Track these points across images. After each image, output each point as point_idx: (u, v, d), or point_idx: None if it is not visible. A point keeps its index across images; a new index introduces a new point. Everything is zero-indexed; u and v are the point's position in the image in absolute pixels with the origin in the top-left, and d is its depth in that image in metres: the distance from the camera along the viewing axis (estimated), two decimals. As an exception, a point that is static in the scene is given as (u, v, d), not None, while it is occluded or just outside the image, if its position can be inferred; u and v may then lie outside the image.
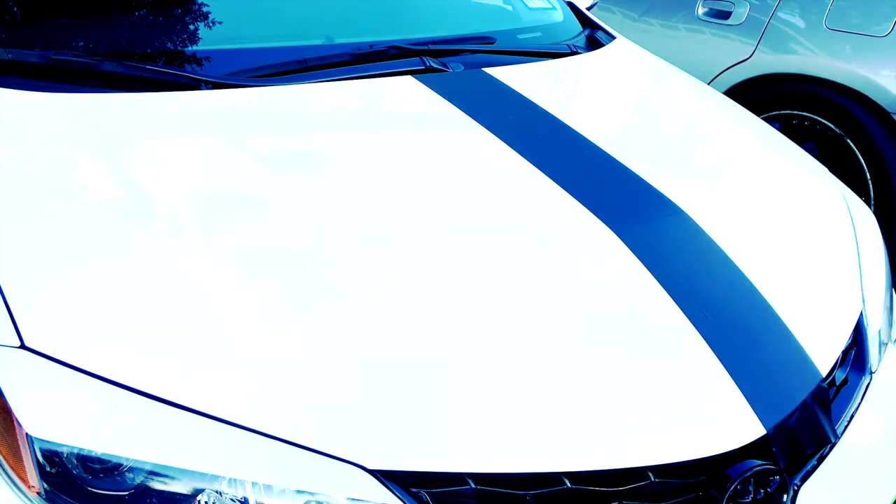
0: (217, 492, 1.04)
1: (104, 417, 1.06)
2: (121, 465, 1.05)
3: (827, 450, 1.31)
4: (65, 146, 1.44)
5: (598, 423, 1.14)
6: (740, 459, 1.16)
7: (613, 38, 2.29)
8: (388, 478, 1.06)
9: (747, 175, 1.81)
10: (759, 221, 1.60)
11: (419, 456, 1.07)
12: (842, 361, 1.41)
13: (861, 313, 1.51)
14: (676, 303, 1.28)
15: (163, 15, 1.91)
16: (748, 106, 2.37)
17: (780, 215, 1.65)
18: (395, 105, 1.79)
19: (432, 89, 1.73)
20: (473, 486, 1.08)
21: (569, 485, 1.10)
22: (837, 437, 1.34)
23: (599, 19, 2.41)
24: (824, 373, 1.31)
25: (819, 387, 1.30)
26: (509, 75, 1.87)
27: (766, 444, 1.19)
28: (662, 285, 1.31)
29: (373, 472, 1.06)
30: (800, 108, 3.13)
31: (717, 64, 3.29)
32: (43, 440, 1.03)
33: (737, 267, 1.41)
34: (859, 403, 1.42)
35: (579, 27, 2.29)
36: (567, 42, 2.16)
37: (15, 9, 1.80)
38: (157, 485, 1.05)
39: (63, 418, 1.05)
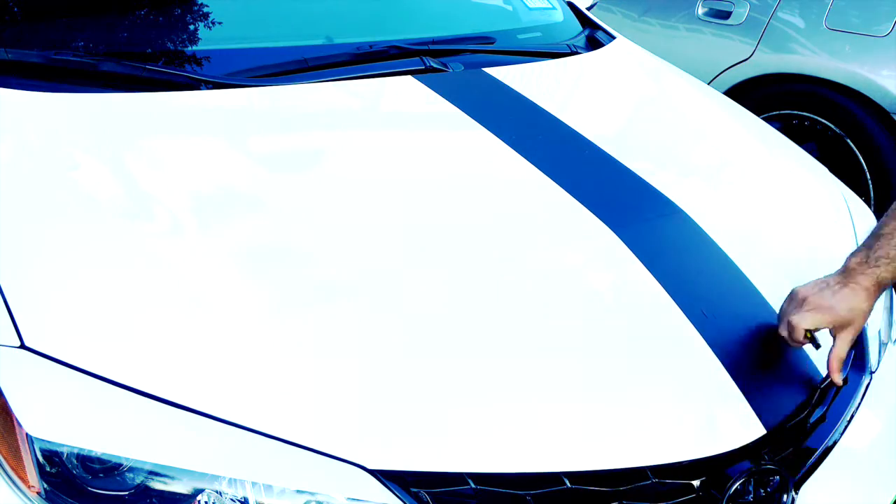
0: (217, 492, 1.04)
1: (104, 417, 1.06)
2: (121, 465, 1.05)
3: (827, 450, 1.31)
4: (65, 146, 1.44)
5: (598, 423, 1.14)
6: (740, 459, 1.16)
7: (613, 38, 2.29)
8: (388, 478, 1.06)
9: (747, 175, 1.81)
10: (758, 221, 1.60)
11: (419, 456, 1.07)
12: (842, 361, 1.40)
13: (861, 313, 1.50)
14: (676, 302, 1.28)
15: (163, 15, 1.91)
16: (748, 106, 2.37)
17: (779, 215, 1.65)
18: (395, 105, 1.79)
19: (432, 89, 1.73)
20: (473, 486, 1.08)
21: (569, 485, 1.10)
22: (837, 437, 1.34)
23: (599, 19, 2.41)
24: (824, 373, 1.31)
25: (819, 387, 1.30)
26: (509, 75, 1.87)
27: (766, 444, 1.19)
28: (662, 285, 1.31)
29: (373, 472, 1.06)
30: (800, 108, 3.13)
31: (717, 64, 3.29)
32: (43, 440, 1.03)
33: (736, 266, 1.41)
34: (859, 403, 1.42)
35: (579, 27, 2.29)
36: (567, 42, 2.16)
37: (15, 9, 1.80)
38: (157, 485, 1.05)
39: (63, 418, 1.05)
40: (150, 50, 1.76)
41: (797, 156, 1.99)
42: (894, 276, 1.24)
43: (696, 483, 1.16)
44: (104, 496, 1.05)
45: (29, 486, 1.05)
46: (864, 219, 1.80)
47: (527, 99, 1.78)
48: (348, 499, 1.05)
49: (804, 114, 3.12)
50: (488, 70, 1.86)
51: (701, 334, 1.25)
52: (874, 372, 1.49)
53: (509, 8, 2.42)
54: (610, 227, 1.40)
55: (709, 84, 3.20)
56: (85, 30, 1.78)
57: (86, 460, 1.04)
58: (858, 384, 1.44)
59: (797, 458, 1.26)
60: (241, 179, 1.44)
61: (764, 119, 2.87)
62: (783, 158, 1.95)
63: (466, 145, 1.62)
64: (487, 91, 1.80)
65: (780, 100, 3.18)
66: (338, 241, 1.32)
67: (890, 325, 1.62)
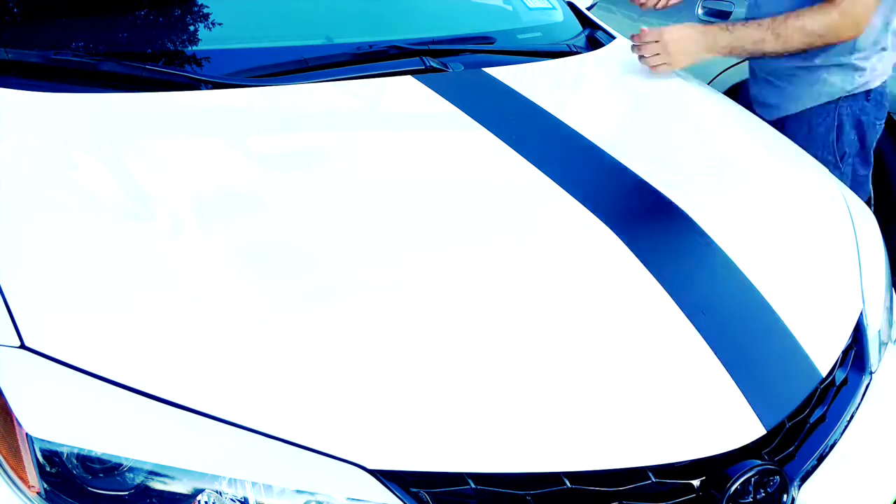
0: (217, 492, 1.04)
1: (104, 417, 1.06)
2: (121, 465, 1.05)
3: (827, 450, 1.32)
4: (65, 146, 1.44)
5: (598, 423, 1.13)
6: (740, 459, 1.16)
7: (613, 38, 2.29)
8: (388, 478, 1.06)
9: (747, 175, 1.81)
10: (758, 221, 1.60)
11: (419, 456, 1.07)
12: (842, 361, 1.41)
13: (861, 313, 1.50)
14: (677, 303, 1.28)
15: (163, 15, 1.91)
16: (748, 106, 2.37)
17: (779, 215, 1.65)
18: (395, 105, 1.79)
19: (432, 89, 1.73)
20: (473, 486, 1.08)
21: (569, 485, 1.10)
22: (837, 437, 1.34)
23: (599, 19, 2.41)
24: (824, 373, 1.31)
25: (819, 387, 1.30)
26: (509, 75, 1.87)
27: (766, 444, 1.19)
28: (663, 285, 1.31)
29: (373, 472, 1.06)
30: (800, 107, 3.12)
31: (717, 64, 3.29)
32: (43, 440, 1.03)
33: (737, 267, 1.41)
34: (859, 403, 1.42)
35: (579, 27, 2.29)
36: (567, 42, 2.16)
37: (15, 9, 1.80)
38: (157, 485, 1.05)
39: (63, 418, 1.05)
40: (150, 50, 1.76)
41: (797, 156, 1.99)
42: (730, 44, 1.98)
43: (696, 483, 1.16)
44: (104, 496, 1.05)
45: (29, 486, 1.05)
46: (864, 219, 1.80)
47: (527, 99, 1.78)
48: (348, 499, 1.06)
49: (804, 114, 3.11)
50: (488, 70, 1.86)
51: (701, 334, 1.25)
52: (874, 372, 1.49)
53: (509, 8, 2.42)
54: (610, 228, 1.40)
55: (709, 84, 3.19)
56: (85, 30, 1.78)
57: (86, 460, 1.04)
58: (858, 384, 1.44)
59: (797, 458, 1.26)
60: (241, 179, 1.44)
61: (764, 119, 2.87)
62: (783, 159, 1.95)
63: (467, 145, 1.62)
64: (487, 91, 1.80)
65: (780, 100, 3.17)
66: (338, 240, 1.32)
67: (890, 325, 1.62)
